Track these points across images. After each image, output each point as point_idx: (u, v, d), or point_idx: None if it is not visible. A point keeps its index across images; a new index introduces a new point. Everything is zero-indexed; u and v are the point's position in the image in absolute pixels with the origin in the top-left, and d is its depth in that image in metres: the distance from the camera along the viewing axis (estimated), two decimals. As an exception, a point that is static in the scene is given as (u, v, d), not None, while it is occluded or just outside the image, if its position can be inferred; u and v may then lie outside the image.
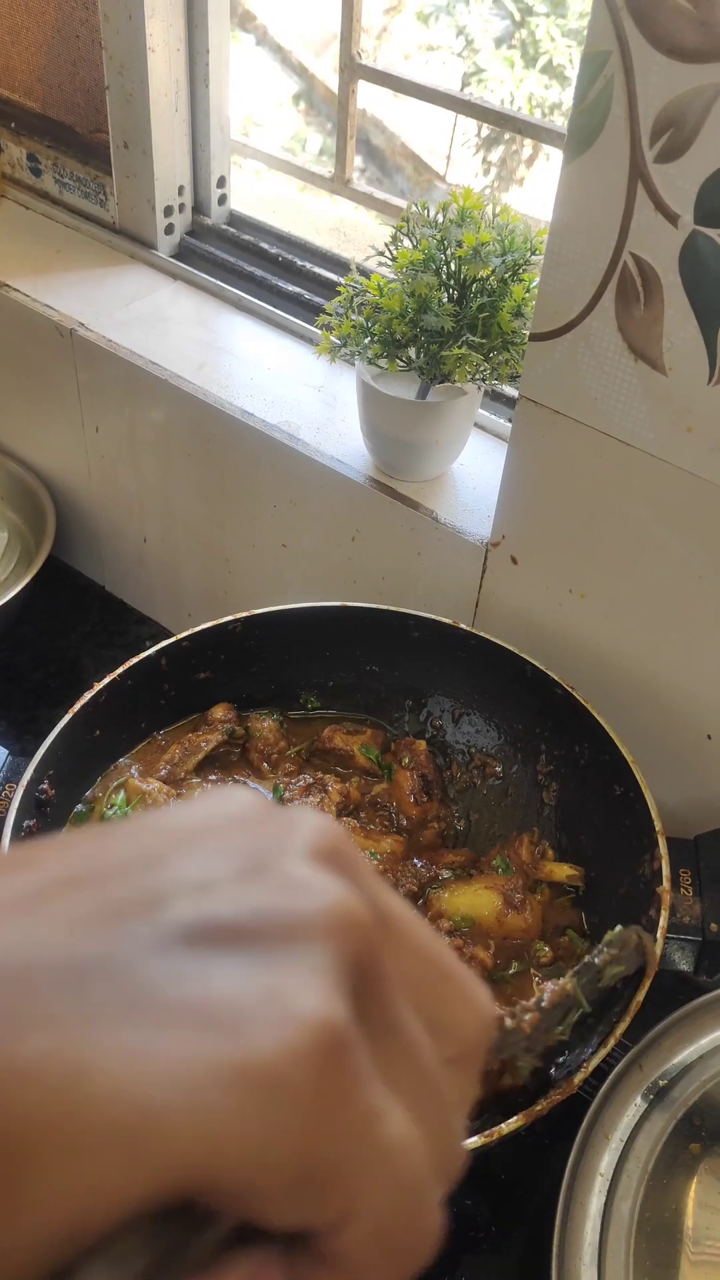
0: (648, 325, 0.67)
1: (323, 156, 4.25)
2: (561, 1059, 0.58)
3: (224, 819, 0.23)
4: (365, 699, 0.91)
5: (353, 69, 0.96)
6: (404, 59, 4.74)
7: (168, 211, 1.09)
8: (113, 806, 0.79)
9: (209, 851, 0.22)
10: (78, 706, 0.78)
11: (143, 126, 1.02)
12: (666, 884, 0.69)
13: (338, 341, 0.85)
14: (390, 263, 0.82)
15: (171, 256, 1.11)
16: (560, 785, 0.83)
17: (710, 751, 0.83)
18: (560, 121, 0.85)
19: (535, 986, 0.38)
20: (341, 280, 0.87)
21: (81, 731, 0.79)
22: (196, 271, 1.09)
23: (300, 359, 1.03)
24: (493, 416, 0.96)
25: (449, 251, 0.80)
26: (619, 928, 0.47)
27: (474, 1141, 0.56)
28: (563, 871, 0.79)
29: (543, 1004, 0.39)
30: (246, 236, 1.10)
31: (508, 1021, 0.45)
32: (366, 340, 0.83)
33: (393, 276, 0.82)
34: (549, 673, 0.81)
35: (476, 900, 0.76)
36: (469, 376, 0.82)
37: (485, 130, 4.51)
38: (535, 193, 4.80)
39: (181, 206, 1.10)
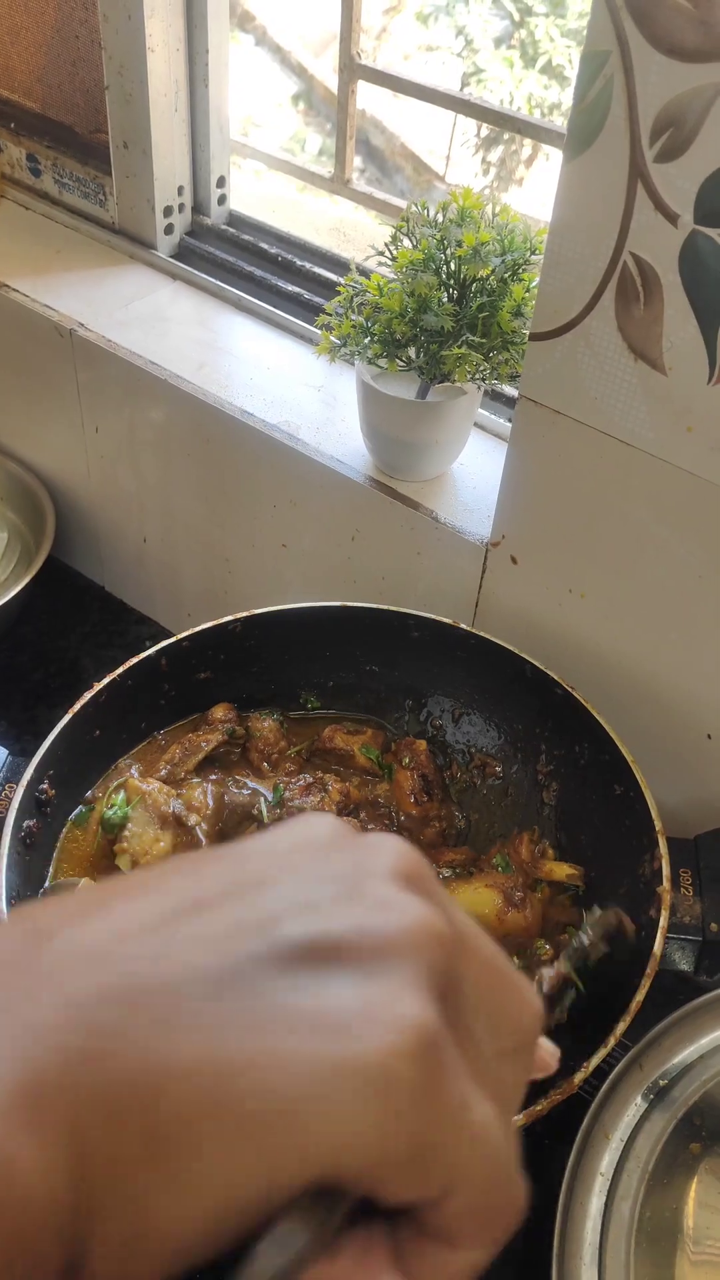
0: (648, 325, 0.67)
1: (322, 157, 4.25)
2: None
3: (314, 844, 0.27)
4: (365, 699, 0.91)
5: (352, 69, 0.96)
6: (404, 59, 4.74)
7: (167, 212, 1.09)
8: (113, 806, 0.79)
9: (308, 875, 0.26)
10: (78, 706, 0.78)
11: (142, 126, 1.02)
12: (666, 884, 0.69)
13: (338, 341, 0.85)
14: (390, 263, 0.82)
15: (171, 256, 1.11)
16: (560, 785, 0.83)
17: (710, 751, 0.83)
18: (560, 121, 0.85)
19: (534, 976, 0.40)
20: (341, 280, 0.87)
21: (81, 731, 0.79)
22: (196, 271, 1.09)
23: (300, 359, 1.03)
24: (493, 416, 0.96)
25: (449, 251, 0.80)
26: (597, 909, 0.49)
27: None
28: (562, 870, 0.79)
29: (544, 990, 0.41)
30: (246, 236, 1.10)
31: None
32: (366, 340, 0.83)
33: (392, 276, 0.82)
34: (549, 673, 0.81)
35: (477, 898, 0.76)
36: (469, 376, 0.82)
37: (485, 130, 4.51)
38: (535, 193, 4.80)
39: (181, 207, 1.10)
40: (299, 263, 1.07)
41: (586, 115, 0.62)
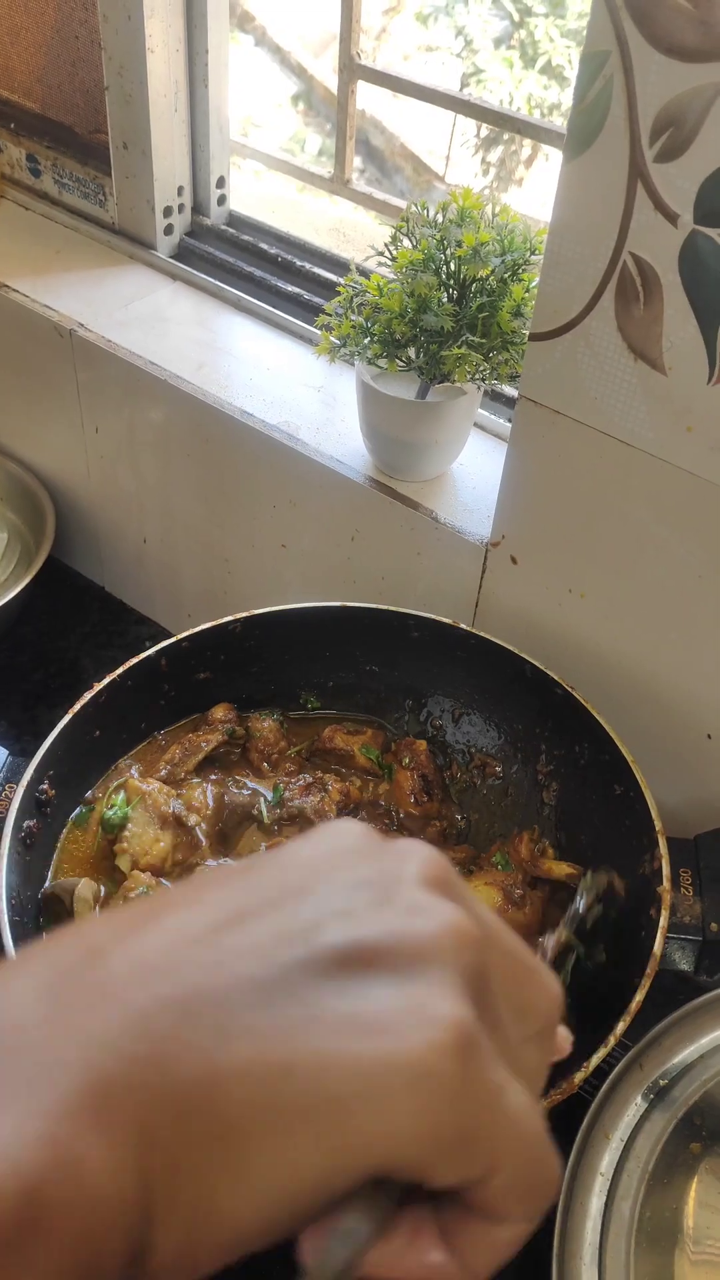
0: (647, 325, 0.67)
1: (322, 157, 4.25)
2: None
3: (344, 851, 0.29)
4: (365, 699, 0.91)
5: (352, 69, 0.96)
6: (403, 59, 4.74)
7: (167, 212, 1.09)
8: (113, 807, 0.79)
9: (342, 883, 0.27)
10: (78, 707, 0.78)
11: (142, 127, 1.02)
12: (667, 883, 0.69)
13: (337, 341, 0.85)
14: (390, 263, 0.82)
15: (171, 257, 1.11)
16: (560, 785, 0.83)
17: (710, 751, 0.83)
18: (559, 121, 0.85)
19: (537, 944, 0.41)
20: (341, 280, 0.87)
21: (81, 732, 0.79)
22: (196, 272, 1.09)
23: (300, 359, 1.03)
24: (492, 416, 0.96)
25: (449, 251, 0.80)
26: (589, 873, 0.50)
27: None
28: (562, 869, 0.79)
29: (548, 956, 0.43)
30: (246, 237, 1.10)
31: None
32: (366, 340, 0.83)
33: (392, 276, 0.82)
34: (549, 673, 0.81)
35: (477, 895, 0.76)
36: (469, 376, 0.82)
37: (484, 131, 4.51)
38: (534, 193, 4.80)
39: (181, 207, 1.10)
40: (299, 263, 1.07)
41: (586, 115, 0.62)
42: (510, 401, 0.95)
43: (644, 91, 0.60)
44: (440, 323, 0.79)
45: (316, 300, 1.04)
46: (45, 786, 0.76)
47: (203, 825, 0.80)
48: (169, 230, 1.10)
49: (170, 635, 0.85)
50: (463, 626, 0.85)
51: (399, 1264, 0.26)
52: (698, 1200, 0.64)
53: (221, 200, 1.10)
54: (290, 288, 1.06)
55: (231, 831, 0.80)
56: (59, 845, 0.79)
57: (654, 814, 0.73)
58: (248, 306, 1.07)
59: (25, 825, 0.74)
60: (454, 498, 0.90)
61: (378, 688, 0.91)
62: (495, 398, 0.96)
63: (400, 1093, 0.23)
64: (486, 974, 0.27)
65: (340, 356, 0.85)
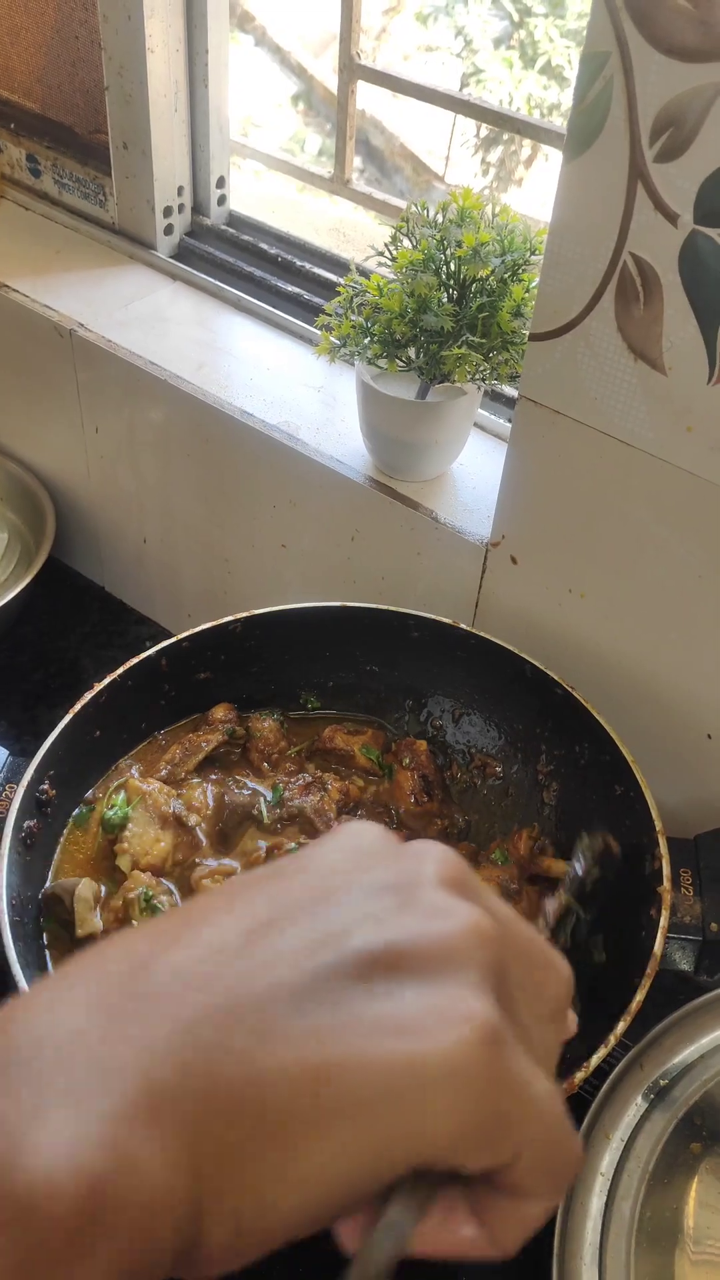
0: (647, 325, 0.67)
1: (322, 157, 4.25)
2: None
3: (364, 854, 0.30)
4: (365, 699, 0.91)
5: (352, 69, 0.96)
6: (403, 59, 4.74)
7: (167, 212, 1.09)
8: (113, 807, 0.79)
9: (365, 888, 0.29)
10: (78, 707, 0.78)
11: (142, 127, 1.02)
12: (667, 883, 0.69)
13: (337, 342, 0.85)
14: (390, 263, 0.82)
15: (171, 257, 1.11)
16: (560, 785, 0.83)
17: (710, 751, 0.83)
18: (559, 122, 0.85)
19: (539, 908, 0.44)
20: (341, 280, 0.87)
21: (81, 732, 0.79)
22: (196, 272, 1.09)
23: (300, 359, 1.03)
24: (492, 416, 0.96)
25: (449, 251, 0.80)
26: (585, 836, 0.51)
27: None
28: (560, 867, 0.79)
29: (549, 922, 0.45)
30: (246, 237, 1.10)
31: None
32: (366, 340, 0.83)
33: (392, 277, 0.82)
34: (549, 673, 0.81)
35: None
36: (469, 376, 0.82)
37: (484, 131, 4.51)
38: (534, 193, 4.80)
39: (181, 207, 1.10)
40: (299, 263, 1.07)
41: (586, 116, 0.62)
42: (510, 401, 0.95)
43: (644, 92, 0.60)
44: (440, 323, 0.79)
45: (316, 300, 1.04)
46: (46, 786, 0.76)
47: (203, 825, 0.80)
48: (169, 230, 1.10)
49: (170, 635, 0.85)
50: (463, 626, 0.85)
51: (434, 1240, 0.28)
52: (698, 1200, 0.64)
53: (221, 200, 1.10)
54: (290, 288, 1.06)
55: (232, 831, 0.80)
56: (59, 845, 0.79)
57: (654, 814, 0.73)
58: (248, 306, 1.07)
59: (25, 825, 0.74)
60: (454, 498, 0.90)
61: (378, 688, 0.91)
62: (495, 398, 0.96)
63: (434, 1091, 0.25)
64: (505, 967, 0.28)
65: (340, 356, 0.85)
